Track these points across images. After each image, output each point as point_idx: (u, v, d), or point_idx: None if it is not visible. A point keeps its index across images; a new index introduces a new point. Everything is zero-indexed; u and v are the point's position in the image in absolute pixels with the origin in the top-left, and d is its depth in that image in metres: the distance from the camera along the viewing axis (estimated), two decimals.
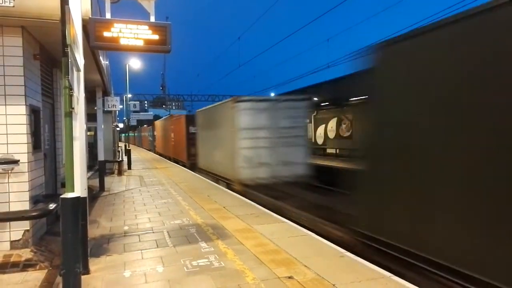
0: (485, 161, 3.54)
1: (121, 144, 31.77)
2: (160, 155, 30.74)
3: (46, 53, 6.24)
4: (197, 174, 15.43)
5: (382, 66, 4.91)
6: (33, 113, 5.29)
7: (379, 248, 4.71)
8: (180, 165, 20.41)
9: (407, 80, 4.50)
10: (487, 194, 3.51)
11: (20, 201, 4.80)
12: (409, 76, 4.45)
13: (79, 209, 3.58)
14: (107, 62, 11.70)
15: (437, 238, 3.95)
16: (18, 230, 4.80)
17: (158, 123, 34.78)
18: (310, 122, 22.65)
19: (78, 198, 3.53)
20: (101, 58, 8.11)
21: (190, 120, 19.73)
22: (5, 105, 4.75)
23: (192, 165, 18.23)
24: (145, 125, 49.68)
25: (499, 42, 3.45)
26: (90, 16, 4.43)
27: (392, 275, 4.06)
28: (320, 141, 22.97)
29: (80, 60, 3.99)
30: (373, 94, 5.08)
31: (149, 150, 40.41)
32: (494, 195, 3.44)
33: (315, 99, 20.35)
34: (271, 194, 10.68)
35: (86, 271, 4.17)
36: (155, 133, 35.94)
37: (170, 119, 26.41)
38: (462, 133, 3.76)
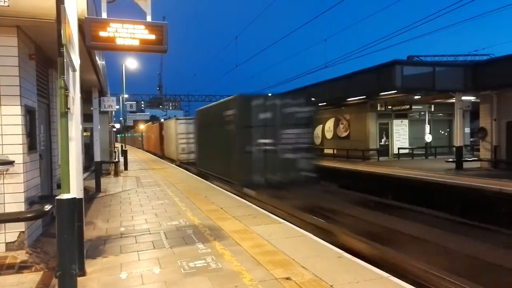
0: (215, 147, 14.48)
1: (118, 145, 31.73)
2: (147, 151, 40.54)
3: (42, 53, 6.20)
4: (194, 175, 15.41)
5: (196, 117, 18.42)
6: (29, 114, 5.25)
7: (203, 173, 15.70)
8: (157, 156, 30.34)
9: (200, 122, 17.58)
10: (216, 156, 14.36)
11: (15, 202, 4.76)
12: (201, 121, 17.43)
13: (75, 210, 3.55)
14: (103, 62, 11.64)
15: (211, 167, 15.08)
16: (13, 231, 4.76)
17: (145, 127, 46.78)
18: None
19: (74, 199, 3.49)
20: (97, 58, 8.07)
21: (162, 126, 29.77)
22: (0, 105, 4.70)
23: (163, 155, 28.31)
24: (141, 126, 52.62)
25: (211, 117, 15.21)
26: (86, 16, 4.39)
27: (390, 275, 4.06)
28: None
29: (76, 60, 3.95)
30: (196, 125, 18.60)
31: (139, 148, 49.94)
32: (218, 157, 14.08)
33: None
34: (193, 166, 19.55)
35: (82, 273, 4.13)
36: (143, 134, 47.86)
37: (151, 125, 38.38)
38: (210, 139, 15.07)
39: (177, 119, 23.12)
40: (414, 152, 19.58)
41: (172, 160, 23.82)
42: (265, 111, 11.16)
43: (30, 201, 5.05)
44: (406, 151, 19.64)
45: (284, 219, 6.84)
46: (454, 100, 15.24)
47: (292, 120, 11.43)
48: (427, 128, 19.47)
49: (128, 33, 4.32)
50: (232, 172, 11.98)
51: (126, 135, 29.44)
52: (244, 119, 11.08)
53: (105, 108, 12.98)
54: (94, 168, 11.62)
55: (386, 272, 4.19)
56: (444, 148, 20.31)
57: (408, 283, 3.87)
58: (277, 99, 11.48)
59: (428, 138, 19.39)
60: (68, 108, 3.64)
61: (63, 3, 3.54)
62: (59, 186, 6.55)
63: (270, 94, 12.03)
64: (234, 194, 10.11)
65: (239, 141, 11.26)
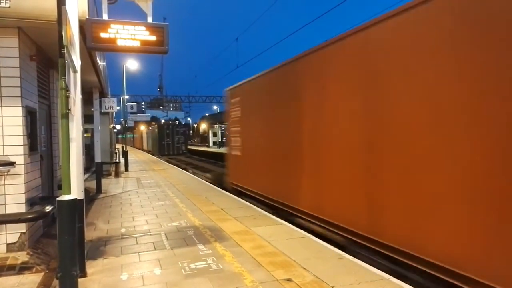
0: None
1: (118, 146, 31.88)
2: (136, 148, 56.74)
3: (43, 54, 6.20)
4: (195, 176, 15.40)
5: (151, 130, 45.14)
6: (30, 115, 5.25)
7: (152, 153, 40.23)
8: (141, 150, 48.42)
9: (150, 132, 46.99)
10: (154, 145, 43.84)
11: (16, 203, 4.76)
12: (151, 132, 46.73)
13: (76, 211, 3.56)
14: (104, 63, 11.66)
15: (153, 150, 42.05)
16: (14, 232, 4.76)
17: (135, 130, 64.21)
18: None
19: (74, 200, 3.50)
20: (98, 59, 8.08)
21: (142, 131, 46.04)
22: (1, 106, 4.71)
23: (142, 148, 46.06)
24: (136, 128, 66.83)
25: (153, 130, 44.54)
26: (87, 17, 4.40)
27: (391, 277, 4.05)
28: None
29: (77, 61, 3.96)
30: (151, 133, 45.17)
31: (132, 146, 62.01)
32: (154, 145, 42.72)
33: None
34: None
35: (83, 274, 4.13)
36: (134, 136, 66.54)
37: (138, 130, 58.36)
38: (153, 139, 43.33)
39: (150, 126, 43.75)
40: None
41: (145, 150, 43.65)
42: (167, 129, 38.63)
43: (31, 202, 5.05)
44: None
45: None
46: None
47: (177, 132, 38.84)
48: None
49: (129, 34, 4.32)
50: (157, 150, 37.12)
51: (126, 136, 31.77)
52: (160, 132, 38.23)
53: (105, 109, 12.99)
54: (95, 169, 11.63)
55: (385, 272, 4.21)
56: None
57: (407, 284, 3.86)
58: (172, 125, 40.18)
59: None
60: (69, 109, 3.64)
61: (64, 4, 3.54)
62: (60, 187, 6.56)
63: (170, 122, 45.05)
64: (234, 195, 10.11)
65: (158, 139, 37.91)
